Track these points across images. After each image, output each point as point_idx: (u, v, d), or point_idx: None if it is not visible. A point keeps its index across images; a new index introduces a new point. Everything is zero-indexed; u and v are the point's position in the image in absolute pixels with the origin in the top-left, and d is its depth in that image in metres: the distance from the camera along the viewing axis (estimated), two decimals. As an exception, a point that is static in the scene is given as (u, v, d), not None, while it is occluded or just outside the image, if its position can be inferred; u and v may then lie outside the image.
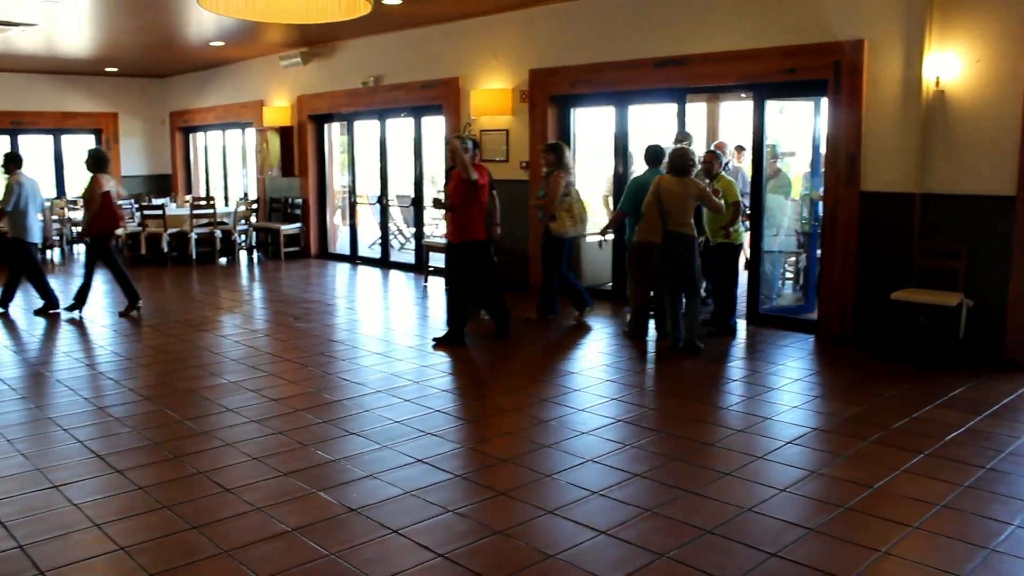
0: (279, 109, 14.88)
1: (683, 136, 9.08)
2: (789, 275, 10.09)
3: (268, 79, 15.21)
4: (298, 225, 14.87)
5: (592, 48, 9.88)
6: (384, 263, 13.65)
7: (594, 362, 7.48)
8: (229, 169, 17.77)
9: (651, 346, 7.97)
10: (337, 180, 15.21)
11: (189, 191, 18.30)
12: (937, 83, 7.30)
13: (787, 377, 6.90)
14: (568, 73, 10.17)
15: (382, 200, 13.56)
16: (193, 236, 14.04)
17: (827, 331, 8.22)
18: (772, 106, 8.85)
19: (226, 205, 16.07)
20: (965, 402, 6.15)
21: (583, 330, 8.66)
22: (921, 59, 7.36)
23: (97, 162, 9.41)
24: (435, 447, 5.31)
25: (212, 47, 13.91)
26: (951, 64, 7.24)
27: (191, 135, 18.57)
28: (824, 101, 8.25)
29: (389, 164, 13.46)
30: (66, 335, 8.68)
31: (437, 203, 8.37)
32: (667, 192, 7.53)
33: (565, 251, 8.98)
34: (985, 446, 5.25)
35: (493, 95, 10.93)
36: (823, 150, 8.59)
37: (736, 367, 7.40)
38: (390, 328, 9.00)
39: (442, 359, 7.61)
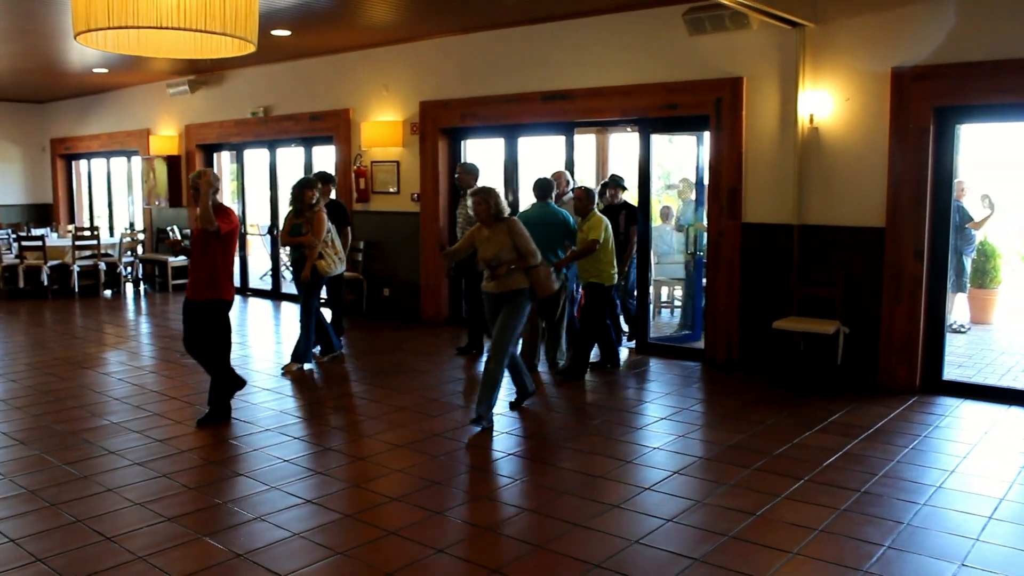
0: (166, 138, 14.54)
1: (613, 181, 9.32)
2: (677, 304, 10.35)
3: (155, 107, 14.86)
4: (184, 257, 14.49)
5: (482, 81, 9.99)
6: (275, 295, 13.43)
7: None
8: (114, 198, 17.24)
9: (542, 377, 8.06)
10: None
11: (72, 221, 17.68)
12: (811, 120, 7.63)
13: (674, 406, 7.06)
14: (458, 106, 10.25)
15: (272, 231, 13.37)
16: (76, 268, 13.55)
17: (713, 359, 8.44)
18: (657, 140, 9.09)
19: (111, 236, 15.59)
20: (842, 427, 6.39)
21: (454, 361, 8.68)
22: (796, 97, 7.68)
23: None
24: (323, 486, 5.25)
25: (96, 73, 13.53)
26: (823, 102, 7.57)
27: (74, 162, 17.95)
28: (707, 135, 8.52)
29: (280, 194, 13.28)
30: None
31: (178, 247, 7.02)
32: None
33: (319, 290, 8.49)
34: (860, 469, 5.47)
35: (384, 127, 10.93)
36: (706, 181, 8.86)
37: (625, 396, 7.53)
38: (280, 362, 8.85)
39: (334, 395, 7.52)
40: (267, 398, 7.34)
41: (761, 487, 5.17)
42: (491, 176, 10.87)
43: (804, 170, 7.75)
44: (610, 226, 7.96)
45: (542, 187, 8.27)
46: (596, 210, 7.97)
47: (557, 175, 8.80)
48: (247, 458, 5.81)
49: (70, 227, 16.72)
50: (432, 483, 5.32)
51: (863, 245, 7.53)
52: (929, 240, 7.24)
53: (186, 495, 5.12)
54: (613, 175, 9.51)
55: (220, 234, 6.31)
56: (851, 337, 7.54)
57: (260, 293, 13.76)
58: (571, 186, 8.85)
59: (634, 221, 8.91)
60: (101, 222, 17.35)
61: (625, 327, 9.45)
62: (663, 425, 6.55)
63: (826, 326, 7.44)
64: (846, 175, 7.56)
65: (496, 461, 5.76)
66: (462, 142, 10.72)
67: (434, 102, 10.52)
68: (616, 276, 8.10)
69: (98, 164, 17.44)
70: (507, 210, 6.56)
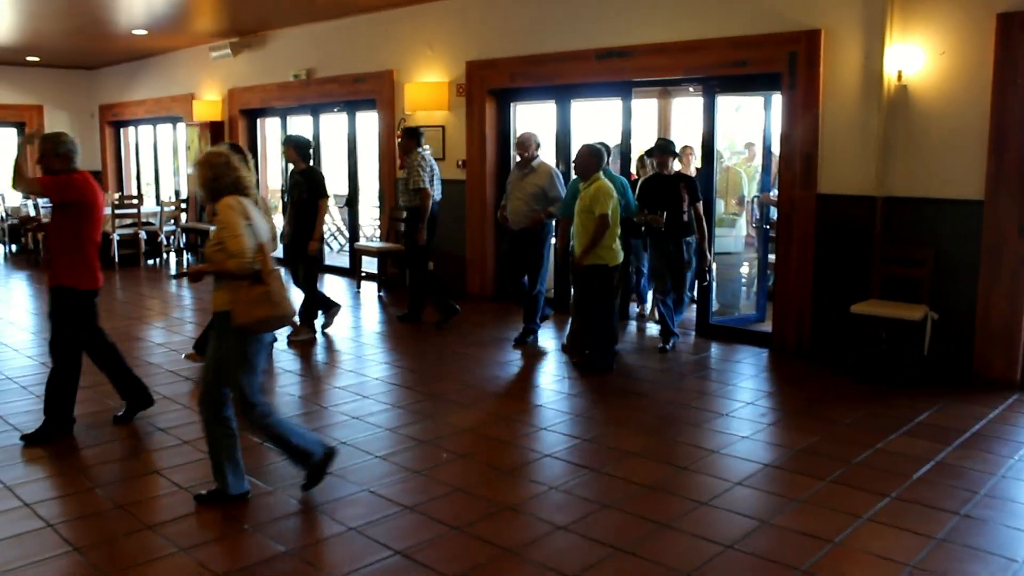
0: (210, 103, 14.05)
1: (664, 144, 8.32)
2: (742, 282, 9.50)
3: (198, 71, 14.37)
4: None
5: (532, 38, 9.20)
6: (319, 267, 12.83)
7: (522, 383, 6.80)
8: (161, 166, 16.85)
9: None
10: (272, 179, 14.39)
11: (120, 189, 17.37)
12: (899, 77, 6.71)
13: (738, 400, 6.26)
14: (507, 65, 9.48)
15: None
16: (115, 237, 13.14)
17: (782, 345, 7.61)
18: (724, 102, 8.21)
19: (157, 204, 15.20)
20: (932, 429, 5.55)
21: (502, 343, 7.97)
22: (882, 51, 6.77)
23: None
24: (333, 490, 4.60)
25: (136, 35, 13.04)
26: (914, 57, 6.65)
27: (122, 130, 17.60)
28: (776, 97, 7.65)
29: (324, 162, 12.68)
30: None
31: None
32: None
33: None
34: (957, 485, 4.64)
35: (429, 89, 10.22)
36: (775, 149, 8.01)
37: (683, 388, 6.74)
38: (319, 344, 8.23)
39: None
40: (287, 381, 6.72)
41: (839, 505, 4.38)
42: (544, 142, 10.14)
43: (889, 134, 6.83)
44: (616, 195, 6.90)
45: (596, 154, 7.49)
46: (602, 175, 6.93)
47: (525, 137, 7.97)
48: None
49: (115, 195, 16.43)
50: (456, 489, 4.64)
51: (957, 220, 6.61)
52: (1036, 214, 6.31)
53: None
54: (661, 139, 8.37)
55: (64, 204, 5.25)
56: (940, 323, 6.64)
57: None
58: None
59: (697, 197, 7.67)
60: (148, 190, 17.05)
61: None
62: (723, 423, 5.76)
63: (912, 311, 6.56)
64: (939, 140, 6.63)
65: (533, 463, 5.05)
66: (511, 105, 9.95)
67: (481, 61, 9.76)
68: (621, 254, 7.02)
69: (145, 131, 17.05)
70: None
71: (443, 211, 9.17)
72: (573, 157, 7.20)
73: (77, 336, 5.43)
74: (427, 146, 9.13)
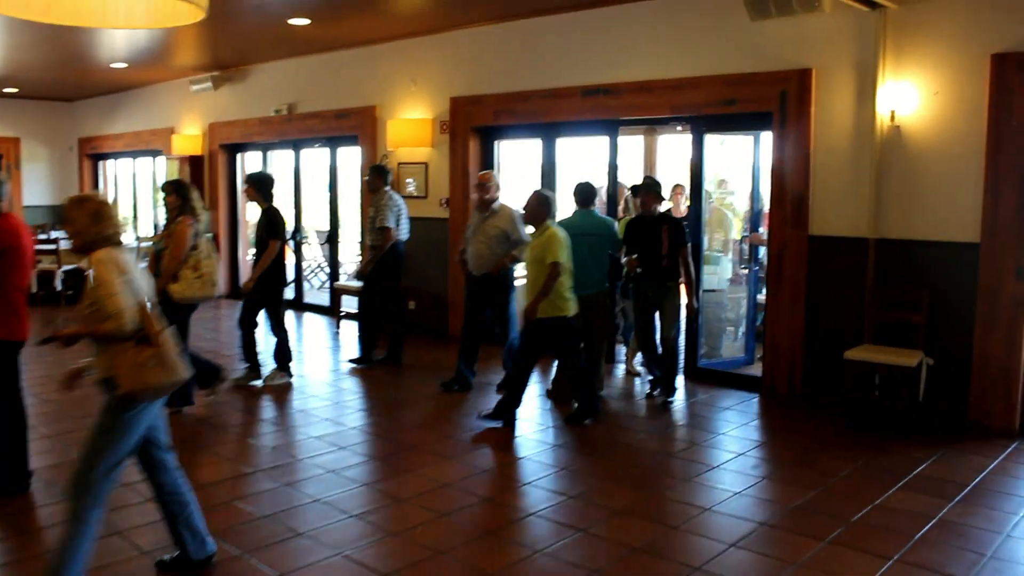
0: (190, 137, 13.81)
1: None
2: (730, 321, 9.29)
3: (178, 105, 14.15)
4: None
5: (517, 75, 9.04)
6: (298, 305, 12.57)
7: (505, 432, 6.55)
8: (140, 200, 16.59)
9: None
10: (251, 215, 14.15)
11: (98, 223, 17.06)
12: (892, 117, 6.57)
13: (729, 450, 6.03)
14: (492, 102, 9.31)
15: (295, 236, 12.50)
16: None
17: (772, 390, 7.40)
18: (712, 140, 8.05)
19: (136, 240, 14.92)
20: (931, 482, 5.34)
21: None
22: (874, 90, 6.63)
23: None
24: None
25: (116, 69, 12.83)
26: (907, 96, 6.51)
27: (101, 163, 17.34)
28: (765, 136, 7.50)
29: (304, 198, 12.47)
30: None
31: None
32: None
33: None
34: (962, 546, 4.42)
35: (411, 125, 10.03)
36: (763, 189, 7.85)
37: (672, 437, 6.51)
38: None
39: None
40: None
41: (840, 569, 4.15)
42: (528, 180, 9.97)
43: (883, 175, 6.68)
44: (568, 244, 6.48)
45: (584, 192, 7.31)
46: (551, 223, 6.61)
47: (485, 177, 7.59)
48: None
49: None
50: (437, 552, 4.38)
51: (952, 262, 6.44)
52: (1034, 257, 6.14)
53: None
54: (648, 177, 7.99)
55: None
56: (935, 369, 6.45)
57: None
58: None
59: (683, 241, 7.12)
60: (127, 225, 16.77)
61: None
62: (715, 477, 5.53)
63: (907, 357, 6.36)
64: (933, 181, 6.48)
65: (517, 523, 4.81)
66: (495, 143, 9.77)
67: (466, 98, 9.59)
68: (575, 305, 6.56)
69: (125, 164, 16.82)
70: None
71: (425, 251, 8.96)
72: (523, 204, 6.79)
73: (13, 385, 5.05)
74: (410, 180, 8.89)
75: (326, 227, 12.56)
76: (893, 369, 6.39)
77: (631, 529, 4.68)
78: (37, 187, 17.16)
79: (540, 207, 6.59)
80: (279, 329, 7.87)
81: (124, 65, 12.53)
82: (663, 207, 7.51)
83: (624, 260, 7.29)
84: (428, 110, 10.02)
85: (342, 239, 12.49)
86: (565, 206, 7.75)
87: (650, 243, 7.11)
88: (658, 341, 7.33)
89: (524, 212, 6.75)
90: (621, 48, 8.16)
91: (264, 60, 12.11)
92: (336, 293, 11.15)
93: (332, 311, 11.24)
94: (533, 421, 6.79)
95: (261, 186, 7.72)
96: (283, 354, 7.92)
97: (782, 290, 7.29)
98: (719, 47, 7.49)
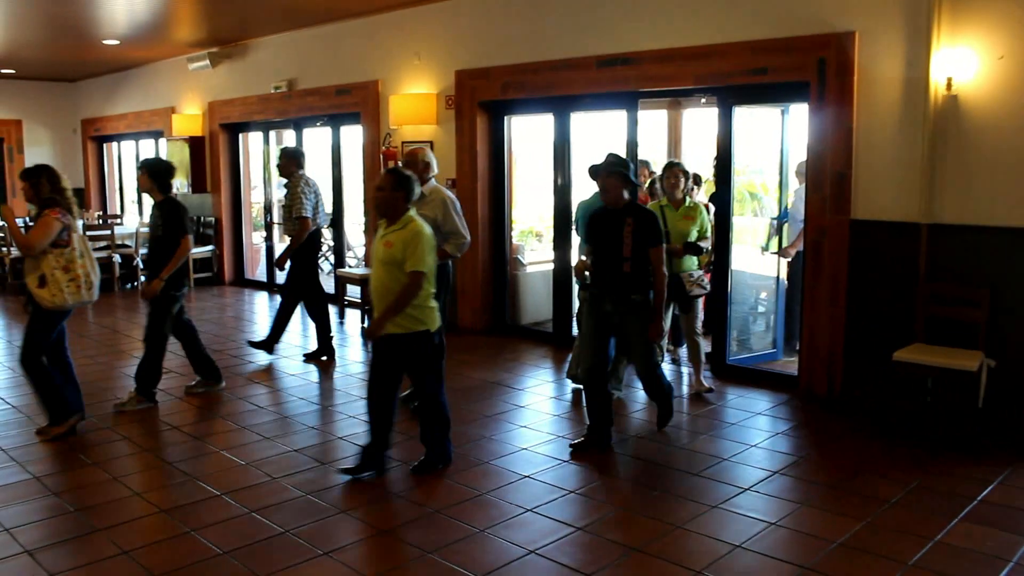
0: (190, 117, 13.20)
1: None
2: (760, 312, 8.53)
3: (178, 84, 13.54)
4: (210, 248, 13.13)
5: (527, 45, 8.30)
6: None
7: (509, 442, 5.84)
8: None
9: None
10: (256, 196, 13.54)
11: (104, 207, 16.55)
12: (949, 85, 5.76)
13: (762, 467, 5.29)
14: (500, 74, 8.56)
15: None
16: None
17: (810, 392, 6.66)
18: (741, 113, 7.25)
19: (137, 224, 14.35)
20: (1000, 511, 4.58)
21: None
22: (928, 56, 5.82)
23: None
24: None
25: (108, 46, 12.18)
26: (966, 62, 5.69)
27: (105, 145, 16.75)
28: (792, 108, 6.74)
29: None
30: None
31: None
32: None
33: (58, 330, 5.98)
34: (1047, 600, 3.68)
35: (415, 101, 9.31)
36: (792, 166, 7.09)
37: (697, 450, 5.75)
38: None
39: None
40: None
41: (899, 634, 3.43)
42: (541, 158, 9.26)
43: (937, 152, 5.88)
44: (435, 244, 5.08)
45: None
46: (414, 214, 5.04)
47: (411, 154, 6.42)
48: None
49: (97, 214, 15.63)
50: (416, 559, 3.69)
51: (1017, 251, 5.64)
52: (1116, 246, 5.34)
53: None
54: (611, 154, 5.88)
55: None
56: (996, 372, 5.68)
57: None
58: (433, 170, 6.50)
59: (653, 240, 5.41)
60: (132, 207, 16.23)
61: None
62: (746, 501, 4.79)
63: (966, 359, 5.58)
64: (996, 159, 5.67)
65: (514, 563, 4.11)
66: (505, 118, 9.02)
67: (472, 71, 8.85)
68: (438, 316, 5.13)
69: (128, 147, 16.23)
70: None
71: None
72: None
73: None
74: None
75: (330, 210, 11.86)
76: (949, 373, 5.60)
77: (646, 572, 3.96)
78: (40, 171, 16.60)
79: (396, 191, 4.95)
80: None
81: (116, 42, 11.89)
82: (698, 196, 6.55)
83: (574, 263, 6.16)
84: (433, 85, 9.30)
85: (347, 223, 11.80)
86: (581, 186, 6.97)
87: (610, 242, 5.51)
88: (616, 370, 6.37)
89: (376, 198, 5.05)
90: (639, 13, 7.40)
91: (262, 34, 11.49)
92: (340, 281, 10.49)
93: (336, 300, 10.56)
94: (542, 430, 6.07)
95: (156, 174, 6.45)
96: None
97: (820, 281, 6.53)
98: (749, 9, 6.71)
